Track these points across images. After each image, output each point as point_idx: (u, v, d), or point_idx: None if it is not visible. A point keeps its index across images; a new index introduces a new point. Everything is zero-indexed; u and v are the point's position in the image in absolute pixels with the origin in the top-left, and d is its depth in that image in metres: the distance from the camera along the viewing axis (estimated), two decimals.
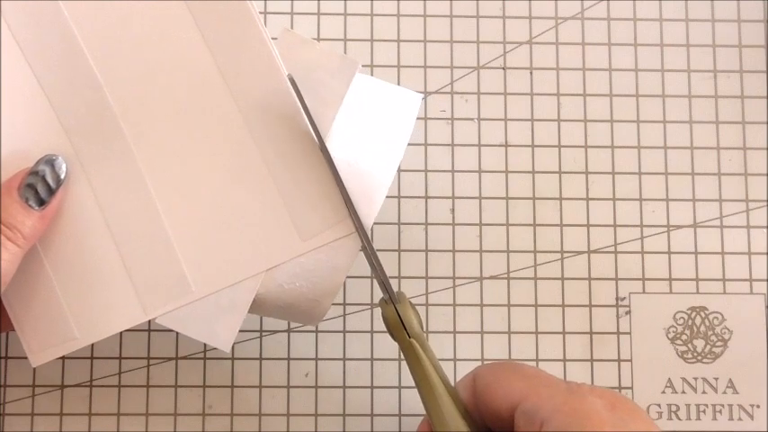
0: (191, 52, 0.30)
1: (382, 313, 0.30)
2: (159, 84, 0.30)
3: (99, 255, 0.30)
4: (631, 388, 0.37)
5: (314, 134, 0.29)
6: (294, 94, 0.30)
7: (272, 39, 0.30)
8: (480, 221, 0.38)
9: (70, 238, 0.30)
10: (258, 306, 0.30)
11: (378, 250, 0.37)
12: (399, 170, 0.38)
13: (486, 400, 0.29)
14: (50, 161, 0.30)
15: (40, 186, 0.29)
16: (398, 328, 0.30)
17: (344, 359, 0.37)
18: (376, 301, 0.37)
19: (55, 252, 0.30)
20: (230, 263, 0.30)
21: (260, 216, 0.30)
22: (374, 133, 0.30)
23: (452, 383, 0.31)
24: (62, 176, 0.30)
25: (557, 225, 0.38)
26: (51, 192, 0.30)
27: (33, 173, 0.30)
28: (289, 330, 0.37)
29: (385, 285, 0.30)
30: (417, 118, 0.38)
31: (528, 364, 0.30)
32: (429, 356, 0.30)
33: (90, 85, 0.30)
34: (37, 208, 0.29)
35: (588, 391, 0.28)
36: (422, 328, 0.30)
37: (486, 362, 0.37)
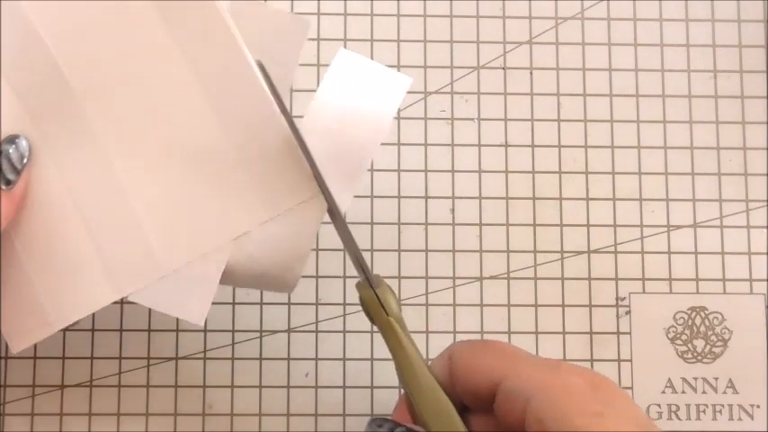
0: (150, 31, 0.30)
1: (360, 296, 0.30)
2: (119, 64, 0.30)
3: (68, 237, 0.30)
4: (631, 388, 0.37)
5: (277, 103, 0.30)
6: (256, 67, 0.30)
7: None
8: (480, 221, 0.38)
9: (39, 221, 0.30)
10: (229, 276, 0.31)
11: (378, 250, 0.37)
12: (399, 170, 0.38)
13: (463, 378, 0.29)
14: (13, 141, 0.30)
15: (5, 165, 0.29)
16: (376, 306, 0.30)
17: (344, 359, 0.37)
18: None
19: (25, 235, 0.30)
20: (197, 234, 0.30)
21: (223, 186, 0.30)
22: (358, 106, 0.30)
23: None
24: (26, 155, 0.30)
25: (557, 225, 0.38)
26: (17, 171, 0.30)
27: None
28: (289, 330, 0.37)
29: (362, 268, 0.30)
30: (417, 118, 0.38)
31: (503, 341, 0.30)
32: (407, 336, 0.30)
33: (50, 70, 0.30)
34: (4, 188, 0.29)
35: (569, 370, 0.28)
36: (400, 309, 0.30)
37: None
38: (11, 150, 0.29)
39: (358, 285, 0.30)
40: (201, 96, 0.30)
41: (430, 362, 0.30)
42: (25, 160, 0.30)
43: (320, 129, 0.29)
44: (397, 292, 0.37)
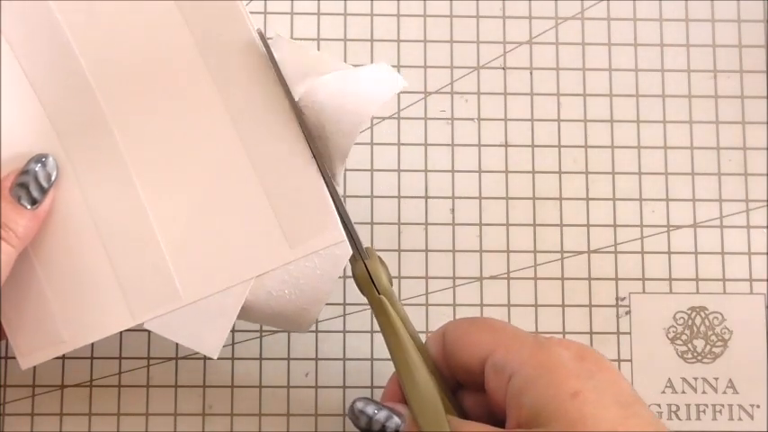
0: (181, 54, 0.30)
1: (352, 270, 0.30)
2: (150, 87, 0.30)
3: (88, 257, 0.30)
4: None
5: (285, 92, 0.30)
6: (290, 107, 0.30)
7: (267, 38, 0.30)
8: (480, 221, 0.38)
9: (60, 240, 0.30)
10: (246, 312, 0.30)
11: (378, 250, 0.37)
12: (399, 170, 0.38)
13: (455, 354, 0.29)
14: (41, 160, 0.30)
15: (32, 185, 0.29)
16: (368, 284, 0.30)
17: (344, 359, 0.37)
18: None
19: (45, 254, 0.30)
20: (219, 269, 0.30)
21: (249, 222, 0.30)
22: (350, 92, 0.30)
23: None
24: (53, 175, 0.30)
25: (557, 225, 0.38)
26: (43, 191, 0.30)
27: (24, 172, 0.30)
28: (289, 330, 0.37)
29: (353, 240, 0.30)
30: (417, 118, 0.38)
31: (497, 318, 0.30)
32: (399, 313, 0.30)
33: (80, 87, 0.30)
34: (29, 207, 0.29)
35: (555, 344, 0.28)
36: (391, 284, 0.30)
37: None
38: (38, 169, 0.29)
39: (351, 259, 0.30)
40: (231, 129, 0.30)
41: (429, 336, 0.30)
42: (53, 179, 0.30)
43: (315, 106, 0.29)
44: (397, 292, 0.37)
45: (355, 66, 0.31)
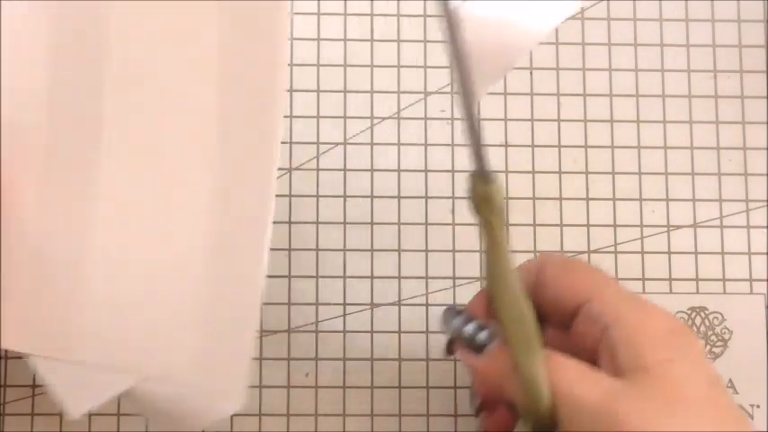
0: (201, 71, 0.28)
1: (471, 189, 0.28)
2: (158, 99, 0.28)
3: (7, 255, 0.27)
4: None
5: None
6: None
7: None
8: None
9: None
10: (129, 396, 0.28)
11: (378, 250, 0.37)
12: (399, 170, 0.38)
13: (549, 291, 0.29)
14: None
15: None
16: (482, 203, 0.28)
17: (344, 359, 0.37)
18: (376, 301, 0.37)
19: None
20: (125, 341, 0.27)
21: (173, 313, 0.27)
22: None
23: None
24: None
25: (557, 225, 0.38)
26: None
27: None
28: (289, 330, 0.37)
29: (482, 159, 0.28)
30: (417, 118, 0.38)
31: (593, 265, 0.30)
32: (506, 236, 0.29)
33: (93, 72, 0.28)
34: None
35: (652, 308, 0.28)
36: (505, 206, 0.29)
37: None
38: None
39: (471, 175, 0.28)
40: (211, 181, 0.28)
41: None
42: None
43: (476, 19, 0.27)
44: (397, 291, 0.37)
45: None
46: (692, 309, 0.37)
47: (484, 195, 0.28)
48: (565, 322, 0.29)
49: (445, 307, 0.30)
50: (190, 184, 0.28)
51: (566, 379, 0.26)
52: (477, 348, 0.29)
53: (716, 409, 0.26)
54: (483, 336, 0.29)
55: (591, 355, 0.28)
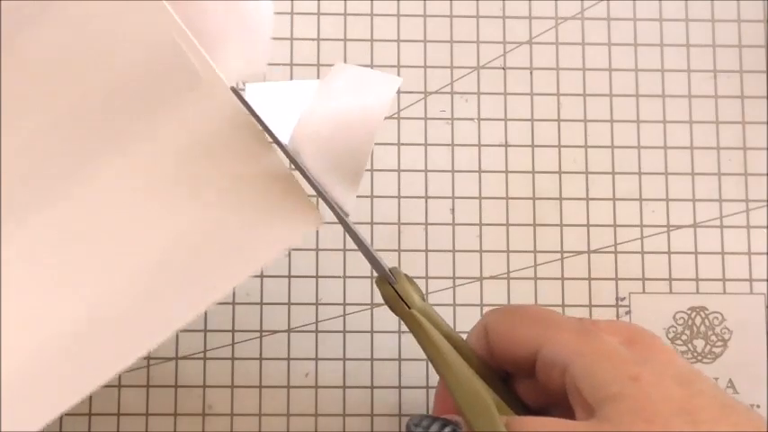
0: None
1: (381, 292, 0.29)
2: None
3: None
4: None
5: (262, 127, 0.28)
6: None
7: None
8: (480, 221, 0.38)
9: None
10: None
11: (378, 250, 0.37)
12: (399, 170, 0.38)
13: (501, 350, 0.29)
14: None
15: None
16: (398, 303, 0.29)
17: (344, 359, 0.37)
18: (376, 301, 0.37)
19: None
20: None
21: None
22: (348, 108, 0.29)
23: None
24: None
25: (557, 225, 0.38)
26: None
27: None
28: (289, 330, 0.37)
29: (377, 265, 0.29)
30: (417, 118, 0.38)
31: (536, 306, 0.30)
32: (436, 324, 0.29)
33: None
34: None
35: (604, 329, 0.27)
36: (423, 299, 0.29)
37: None
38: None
39: (377, 281, 0.30)
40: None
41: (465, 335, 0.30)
42: None
43: (311, 136, 0.28)
44: None
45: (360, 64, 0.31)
46: (692, 309, 0.38)
47: (393, 295, 0.29)
48: (529, 373, 0.28)
49: (407, 420, 0.30)
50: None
51: None
52: None
53: (691, 412, 0.24)
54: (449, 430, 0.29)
55: (564, 400, 0.27)
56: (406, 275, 0.30)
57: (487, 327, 0.29)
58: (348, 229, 0.29)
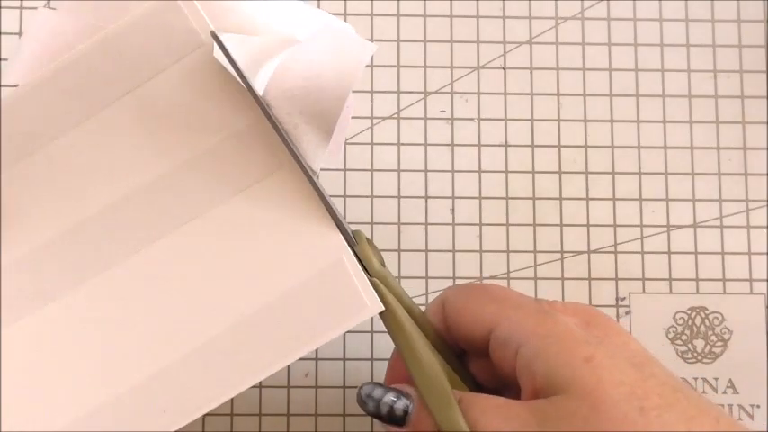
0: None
1: None
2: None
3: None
4: None
5: (243, 84, 0.28)
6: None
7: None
8: (480, 221, 0.38)
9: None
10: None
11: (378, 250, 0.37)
12: (399, 170, 0.38)
13: (456, 326, 0.28)
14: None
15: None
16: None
17: (344, 359, 0.37)
18: None
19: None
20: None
21: None
22: (321, 71, 0.29)
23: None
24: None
25: (557, 225, 0.38)
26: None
27: None
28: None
29: (340, 227, 0.28)
30: (417, 118, 0.38)
31: (496, 284, 0.30)
32: (394, 291, 0.29)
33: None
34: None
35: (560, 310, 0.27)
36: (383, 264, 0.29)
37: None
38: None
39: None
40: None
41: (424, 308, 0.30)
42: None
43: (285, 93, 0.28)
44: None
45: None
46: (692, 309, 0.38)
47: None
48: (484, 351, 0.28)
49: (361, 385, 0.29)
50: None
51: (482, 419, 0.26)
52: (399, 419, 0.28)
53: (641, 397, 0.24)
54: (401, 404, 0.28)
55: (516, 383, 0.27)
56: (368, 239, 0.29)
57: (445, 302, 0.29)
58: (316, 188, 0.28)
